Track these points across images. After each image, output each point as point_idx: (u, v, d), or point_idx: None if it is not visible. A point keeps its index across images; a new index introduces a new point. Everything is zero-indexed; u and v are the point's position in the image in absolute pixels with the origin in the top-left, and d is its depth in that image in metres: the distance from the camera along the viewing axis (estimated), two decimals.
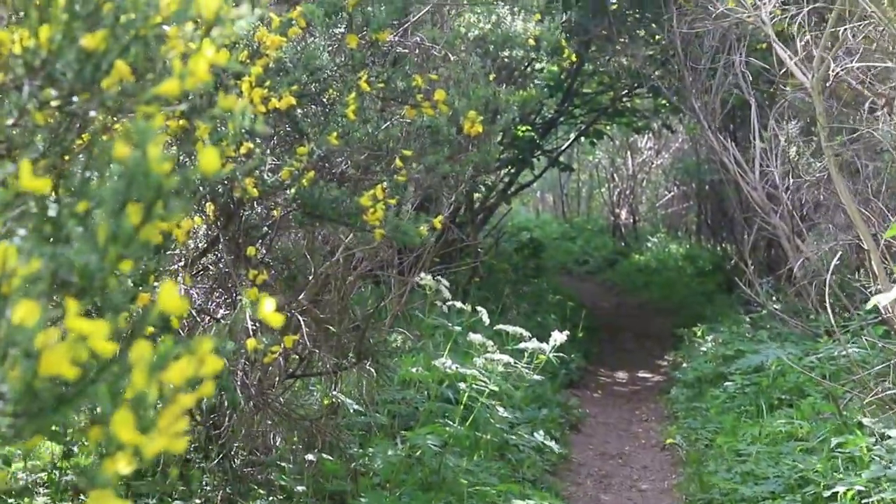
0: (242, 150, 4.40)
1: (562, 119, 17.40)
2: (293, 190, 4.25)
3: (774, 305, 11.49)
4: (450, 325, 7.14)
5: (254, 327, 4.84)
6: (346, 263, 7.39)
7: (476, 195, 14.93)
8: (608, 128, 20.17)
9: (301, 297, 6.17)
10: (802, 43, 7.54)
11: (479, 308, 6.92)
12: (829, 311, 7.75)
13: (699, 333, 12.29)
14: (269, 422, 6.37)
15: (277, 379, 5.85)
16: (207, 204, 4.97)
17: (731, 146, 11.72)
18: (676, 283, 18.89)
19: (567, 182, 28.17)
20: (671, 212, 24.68)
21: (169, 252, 4.82)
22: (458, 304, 6.89)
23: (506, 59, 8.95)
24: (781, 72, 8.43)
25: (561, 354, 7.25)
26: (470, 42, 8.11)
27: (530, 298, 14.83)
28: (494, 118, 8.70)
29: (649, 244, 23.02)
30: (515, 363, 6.64)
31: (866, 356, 8.26)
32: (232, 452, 6.24)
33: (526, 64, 14.39)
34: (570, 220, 27.33)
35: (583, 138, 18.69)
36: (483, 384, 6.61)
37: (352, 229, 5.03)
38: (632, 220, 24.85)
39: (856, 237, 9.00)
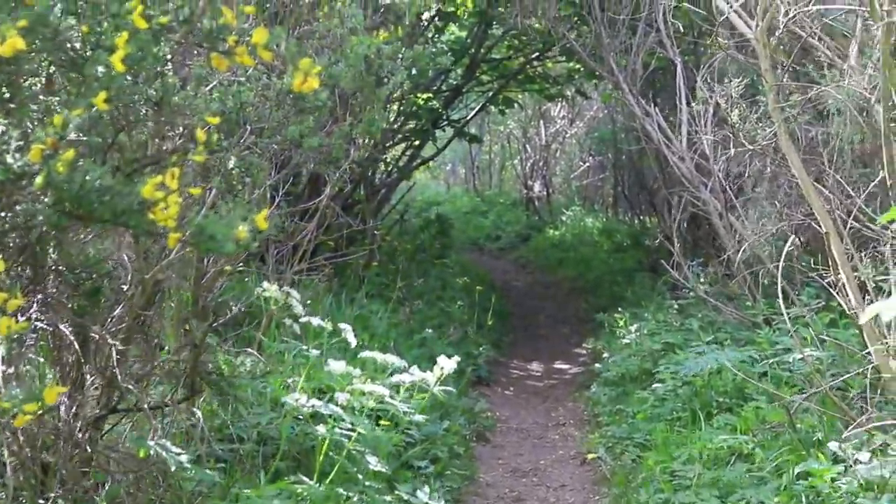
0: None
1: (467, 87, 16.05)
2: (40, 178, 2.85)
3: (704, 289, 10.23)
4: (305, 348, 5.68)
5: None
6: (199, 259, 6.00)
7: (373, 170, 13.57)
8: (519, 96, 18.95)
9: (117, 312, 4.77)
10: None
11: (342, 325, 5.47)
12: (781, 299, 6.50)
13: (622, 322, 11.01)
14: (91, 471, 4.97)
15: (80, 423, 4.45)
16: None
17: (655, 112, 10.45)
18: (593, 260, 17.72)
19: (478, 154, 26.97)
20: (587, 183, 23.57)
21: None
22: (316, 321, 5.44)
23: (392, 8, 7.62)
24: (720, 21, 7.12)
25: (447, 388, 5.80)
26: None
27: (435, 283, 13.52)
28: (381, 82, 7.35)
29: (564, 218, 21.91)
30: (392, 397, 5.23)
31: (820, 358, 7.01)
32: None
33: (425, 26, 13.09)
34: (482, 194, 26.17)
35: (493, 107, 17.43)
36: (349, 426, 5.20)
37: (134, 233, 3.64)
38: (545, 193, 23.67)
39: (807, 215, 7.78)
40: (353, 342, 5.40)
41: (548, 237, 20.69)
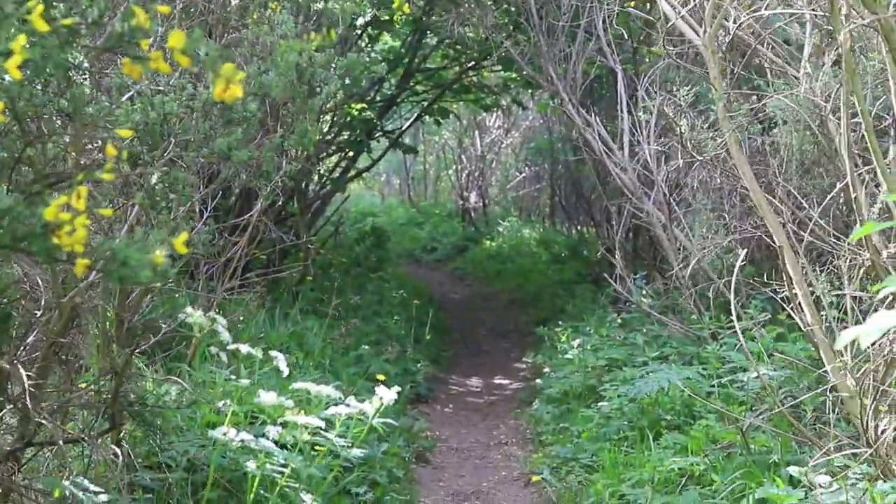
0: None
1: (402, 97, 15.76)
2: None
3: (648, 303, 9.99)
4: (234, 378, 5.30)
5: None
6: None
7: (307, 182, 13.20)
8: (454, 106, 18.69)
9: (31, 339, 4.41)
10: None
11: (273, 353, 5.11)
12: (734, 315, 6.23)
13: (563, 337, 10.72)
14: None
15: None
16: None
17: (595, 121, 10.21)
18: (531, 271, 17.44)
19: (413, 164, 26.66)
20: (523, 194, 23.31)
21: None
22: (246, 349, 5.08)
23: (324, 13, 7.31)
24: (667, 27, 6.88)
25: (388, 420, 5.45)
26: None
27: (372, 297, 13.19)
28: (313, 91, 7.03)
29: (501, 228, 21.61)
30: (327, 429, 4.88)
31: (773, 376, 6.77)
32: None
33: (359, 33, 12.78)
34: (418, 205, 25.84)
35: (428, 118, 17.14)
36: (280, 463, 4.84)
37: (38, 260, 3.30)
38: (482, 204, 23.40)
39: (755, 227, 7.57)
40: (286, 371, 5.04)
41: (485, 248, 20.43)
